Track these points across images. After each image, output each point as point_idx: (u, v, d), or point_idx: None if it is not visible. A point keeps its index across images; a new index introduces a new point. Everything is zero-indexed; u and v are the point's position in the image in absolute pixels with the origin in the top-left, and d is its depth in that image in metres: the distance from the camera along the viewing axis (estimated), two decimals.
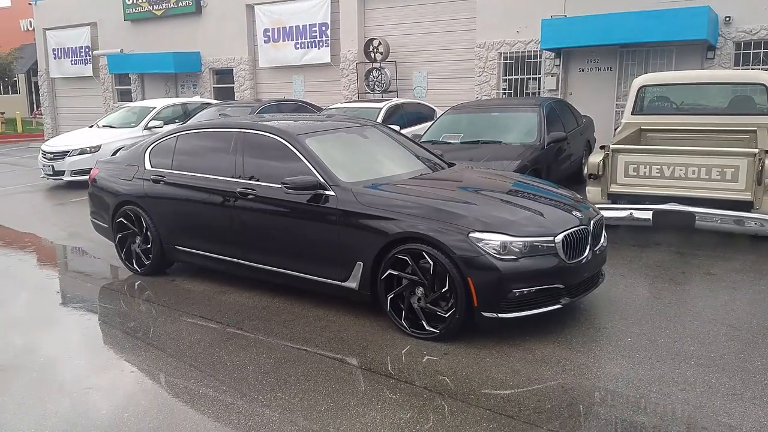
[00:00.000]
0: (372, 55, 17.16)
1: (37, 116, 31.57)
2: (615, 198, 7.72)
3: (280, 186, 5.67)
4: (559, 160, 9.98)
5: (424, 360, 4.73)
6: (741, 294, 5.95)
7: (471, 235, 4.79)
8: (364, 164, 6.15)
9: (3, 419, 4.08)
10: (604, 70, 14.57)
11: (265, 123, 6.41)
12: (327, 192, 5.49)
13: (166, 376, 4.66)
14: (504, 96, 15.67)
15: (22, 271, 7.88)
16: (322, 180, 5.54)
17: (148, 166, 6.92)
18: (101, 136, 14.27)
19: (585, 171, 9.74)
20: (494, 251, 4.73)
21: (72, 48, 25.26)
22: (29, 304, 6.58)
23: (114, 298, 6.59)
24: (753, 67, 12.76)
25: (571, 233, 5.02)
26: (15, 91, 40.08)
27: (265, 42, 19.74)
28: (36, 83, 30.63)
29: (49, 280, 7.51)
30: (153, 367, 4.81)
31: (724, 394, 4.08)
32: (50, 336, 5.64)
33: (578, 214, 5.30)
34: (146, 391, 4.47)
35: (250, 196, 5.94)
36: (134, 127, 14.53)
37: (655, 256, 7.24)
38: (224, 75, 21.31)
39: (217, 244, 6.34)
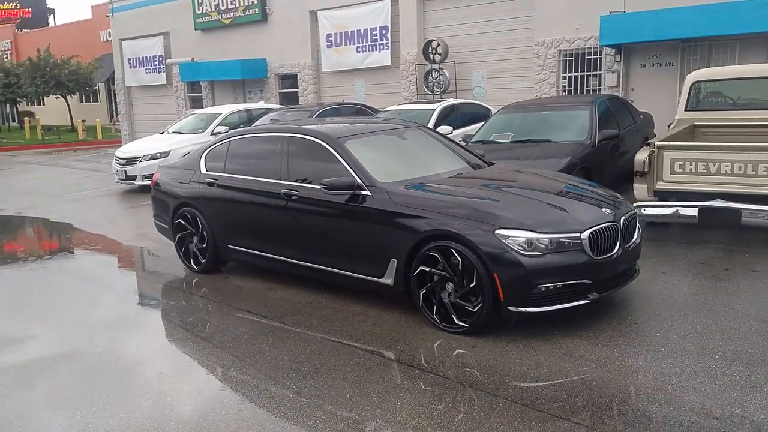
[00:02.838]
0: (431, 56, 17.34)
1: (116, 123, 33.05)
2: (662, 195, 7.66)
3: (320, 187, 5.95)
4: (614, 157, 9.90)
5: (455, 353, 4.91)
6: None
7: (497, 231, 4.94)
8: (402, 165, 6.35)
9: (66, 401, 4.49)
10: (666, 65, 14.31)
11: (308, 127, 6.72)
12: (363, 192, 5.72)
13: (209, 365, 5.01)
14: (564, 94, 15.59)
15: (91, 270, 8.43)
16: (359, 180, 5.77)
17: (203, 170, 7.32)
18: (170, 141, 14.92)
19: None
20: (520, 247, 4.87)
21: (146, 57, 26.45)
22: (96, 301, 7.02)
23: (174, 295, 7.02)
24: None
25: (599, 230, 5.09)
26: (96, 100, 42.02)
27: (327, 47, 20.20)
28: (114, 91, 32.08)
29: (116, 278, 8.05)
30: (199, 357, 5.19)
31: (742, 386, 4.11)
32: (111, 329, 6.03)
33: (608, 211, 5.36)
34: (190, 378, 4.84)
35: (293, 197, 6.24)
36: (201, 132, 15.11)
37: (701, 253, 7.18)
38: (289, 80, 21.89)
39: (264, 243, 6.67)
